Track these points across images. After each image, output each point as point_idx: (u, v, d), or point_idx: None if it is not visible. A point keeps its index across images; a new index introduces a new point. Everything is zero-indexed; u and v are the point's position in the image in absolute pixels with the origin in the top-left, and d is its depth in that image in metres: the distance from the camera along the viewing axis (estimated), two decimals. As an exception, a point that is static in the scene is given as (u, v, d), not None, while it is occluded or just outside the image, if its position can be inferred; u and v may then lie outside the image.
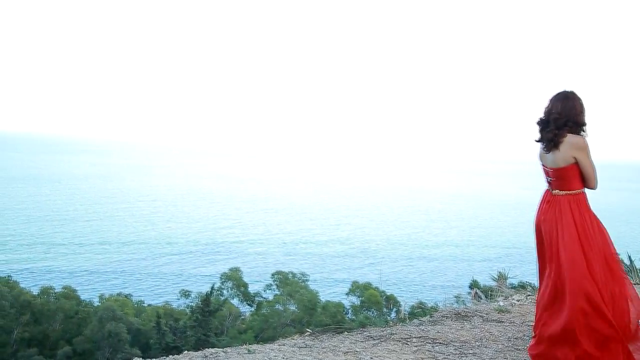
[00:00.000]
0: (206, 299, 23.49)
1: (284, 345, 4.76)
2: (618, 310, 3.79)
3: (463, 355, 4.50)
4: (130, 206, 77.37)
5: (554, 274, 3.89)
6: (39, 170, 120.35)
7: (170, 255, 51.05)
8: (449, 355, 4.50)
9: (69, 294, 27.64)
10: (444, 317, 5.67)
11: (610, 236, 3.99)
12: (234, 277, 31.53)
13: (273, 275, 31.71)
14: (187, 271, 45.93)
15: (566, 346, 3.77)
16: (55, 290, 28.14)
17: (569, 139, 3.84)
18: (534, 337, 4.09)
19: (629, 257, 8.15)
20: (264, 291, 31.57)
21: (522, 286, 8.12)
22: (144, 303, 32.54)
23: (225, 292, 30.81)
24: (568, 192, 3.92)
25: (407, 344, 4.77)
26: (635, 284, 4.66)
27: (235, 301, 30.75)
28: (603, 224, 4.00)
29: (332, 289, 39.37)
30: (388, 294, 31.54)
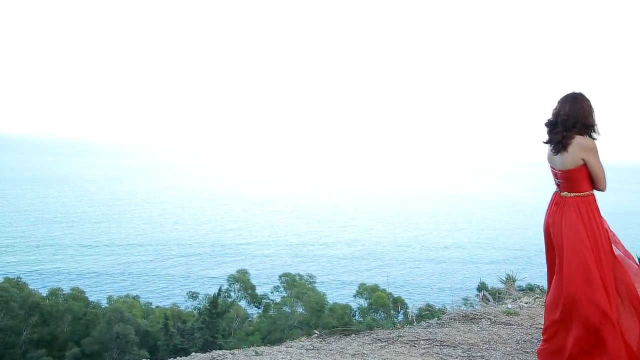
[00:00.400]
0: (214, 300, 23.54)
1: (291, 347, 4.76)
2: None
3: (471, 357, 4.48)
4: (138, 208, 77.65)
5: (561, 275, 3.88)
6: (47, 172, 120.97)
7: (177, 257, 51.16)
8: (457, 357, 4.48)
9: (78, 295, 27.78)
10: (452, 319, 5.65)
11: (621, 239, 3.98)
12: (241, 279, 31.56)
13: (280, 277, 31.75)
14: (195, 273, 46.01)
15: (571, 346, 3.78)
16: (64, 292, 28.32)
17: (578, 140, 3.82)
18: (543, 340, 4.07)
19: (639, 259, 8.08)
20: (272, 293, 31.61)
21: (530, 289, 8.07)
22: (151, 305, 32.63)
23: (232, 294, 30.85)
24: (577, 194, 3.90)
25: (414, 346, 4.75)
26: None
27: (242, 303, 30.78)
28: (612, 226, 3.98)
29: (339, 291, 39.34)
30: (395, 296, 31.53)
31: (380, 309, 28.75)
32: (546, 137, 3.99)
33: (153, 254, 51.69)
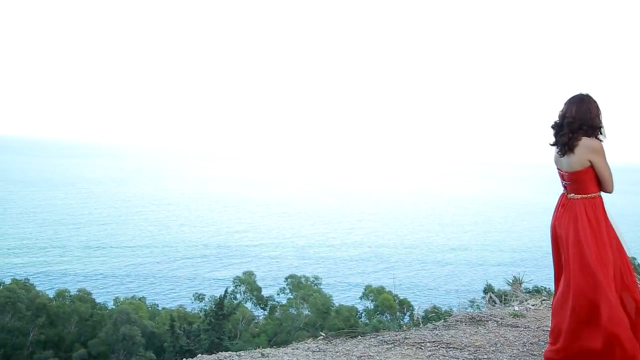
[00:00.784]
0: (220, 302, 23.60)
1: (297, 349, 4.75)
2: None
3: (478, 360, 4.46)
4: (144, 210, 77.89)
5: (568, 278, 3.86)
6: (53, 174, 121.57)
7: (184, 259, 51.29)
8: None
9: (84, 296, 27.88)
10: (458, 321, 5.63)
11: (628, 241, 3.95)
12: (247, 281, 31.60)
13: (286, 279, 31.77)
14: (201, 275, 46.10)
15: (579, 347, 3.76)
16: (71, 293, 28.45)
17: (584, 142, 3.81)
18: (550, 342, 4.05)
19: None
20: (277, 295, 31.63)
21: (537, 291, 8.02)
22: (158, 306, 32.73)
23: (238, 295, 30.90)
24: (584, 195, 3.89)
25: (421, 348, 4.74)
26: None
27: (248, 305, 30.82)
28: (620, 228, 3.96)
29: (345, 293, 39.32)
30: (401, 298, 31.45)
31: (387, 311, 28.70)
32: (553, 139, 3.98)
33: (159, 256, 51.84)
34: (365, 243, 62.55)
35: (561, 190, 4.06)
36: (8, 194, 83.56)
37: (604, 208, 3.92)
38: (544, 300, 6.73)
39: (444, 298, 36.19)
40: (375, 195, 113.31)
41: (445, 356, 4.55)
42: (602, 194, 3.95)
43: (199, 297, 31.23)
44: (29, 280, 29.30)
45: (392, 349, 4.72)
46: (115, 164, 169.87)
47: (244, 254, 53.92)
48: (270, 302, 31.45)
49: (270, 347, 5.00)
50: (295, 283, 30.65)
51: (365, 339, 5.02)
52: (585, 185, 3.87)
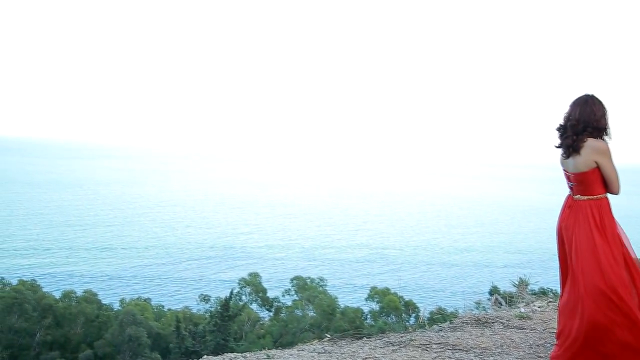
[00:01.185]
0: (225, 303, 23.64)
1: (302, 350, 4.76)
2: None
3: (483, 362, 4.45)
4: (150, 211, 78.08)
5: (574, 280, 3.85)
6: (59, 175, 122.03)
7: (189, 261, 51.38)
8: (469, 361, 4.46)
9: (90, 298, 27.97)
10: (464, 323, 5.62)
11: (632, 242, 3.94)
12: (253, 282, 31.64)
13: (292, 280, 31.78)
14: (207, 276, 46.16)
15: (589, 349, 3.73)
16: (77, 294, 28.52)
17: (590, 143, 3.79)
18: (556, 344, 4.04)
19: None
20: (283, 296, 31.65)
21: (543, 292, 8.00)
22: (163, 307, 32.78)
23: (244, 297, 30.94)
24: (590, 197, 3.87)
25: (426, 350, 4.73)
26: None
27: (254, 306, 30.84)
28: (625, 229, 3.94)
29: (351, 295, 39.26)
30: (407, 299, 31.37)
31: (392, 313, 28.64)
32: (558, 142, 3.97)
33: (165, 257, 51.95)
34: (371, 244, 62.48)
35: (567, 191, 4.05)
36: (15, 196, 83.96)
37: (610, 209, 3.90)
38: (550, 302, 6.71)
39: (449, 300, 36.11)
40: (381, 196, 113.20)
41: (451, 358, 4.54)
42: (609, 195, 3.94)
43: (205, 299, 31.24)
44: (35, 281, 29.39)
45: (398, 350, 4.72)
46: (121, 166, 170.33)
47: (249, 256, 53.97)
48: (275, 304, 31.48)
49: (275, 349, 5.01)
50: (301, 284, 30.66)
51: (370, 341, 5.02)
52: (591, 186, 3.86)
